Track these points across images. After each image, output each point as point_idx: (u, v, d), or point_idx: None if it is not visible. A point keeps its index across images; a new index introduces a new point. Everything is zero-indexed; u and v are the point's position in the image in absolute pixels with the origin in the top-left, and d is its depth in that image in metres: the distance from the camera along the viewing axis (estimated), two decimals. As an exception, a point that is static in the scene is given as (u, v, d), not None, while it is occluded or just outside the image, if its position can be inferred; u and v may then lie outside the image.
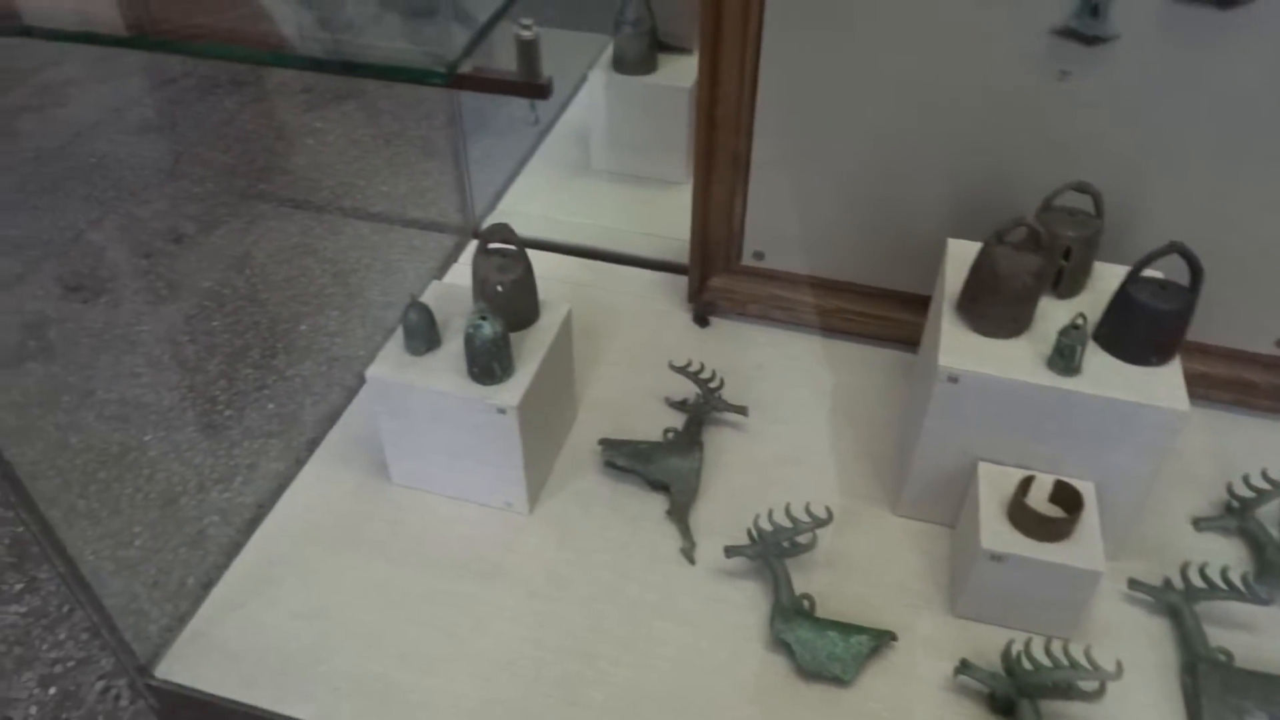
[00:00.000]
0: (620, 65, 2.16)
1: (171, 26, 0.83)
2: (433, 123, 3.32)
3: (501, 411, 1.38)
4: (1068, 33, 1.44)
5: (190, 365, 2.49)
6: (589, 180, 2.30)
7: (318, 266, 2.81)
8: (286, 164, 3.39)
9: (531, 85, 0.63)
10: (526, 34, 0.62)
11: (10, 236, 2.95)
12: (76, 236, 2.95)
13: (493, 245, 1.47)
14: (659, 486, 1.55)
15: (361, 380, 1.71)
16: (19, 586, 1.98)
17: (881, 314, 1.79)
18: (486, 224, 2.13)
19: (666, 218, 2.09)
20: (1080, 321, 1.30)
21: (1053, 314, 1.42)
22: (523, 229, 1.50)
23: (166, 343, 2.57)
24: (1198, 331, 1.48)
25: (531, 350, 1.46)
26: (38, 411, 2.37)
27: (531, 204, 2.24)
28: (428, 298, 1.51)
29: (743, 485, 1.57)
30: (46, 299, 2.74)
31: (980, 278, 1.37)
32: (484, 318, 1.35)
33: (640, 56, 2.15)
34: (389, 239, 2.88)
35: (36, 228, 2.97)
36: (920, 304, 1.70)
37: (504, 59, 0.67)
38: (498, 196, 2.30)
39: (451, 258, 2.14)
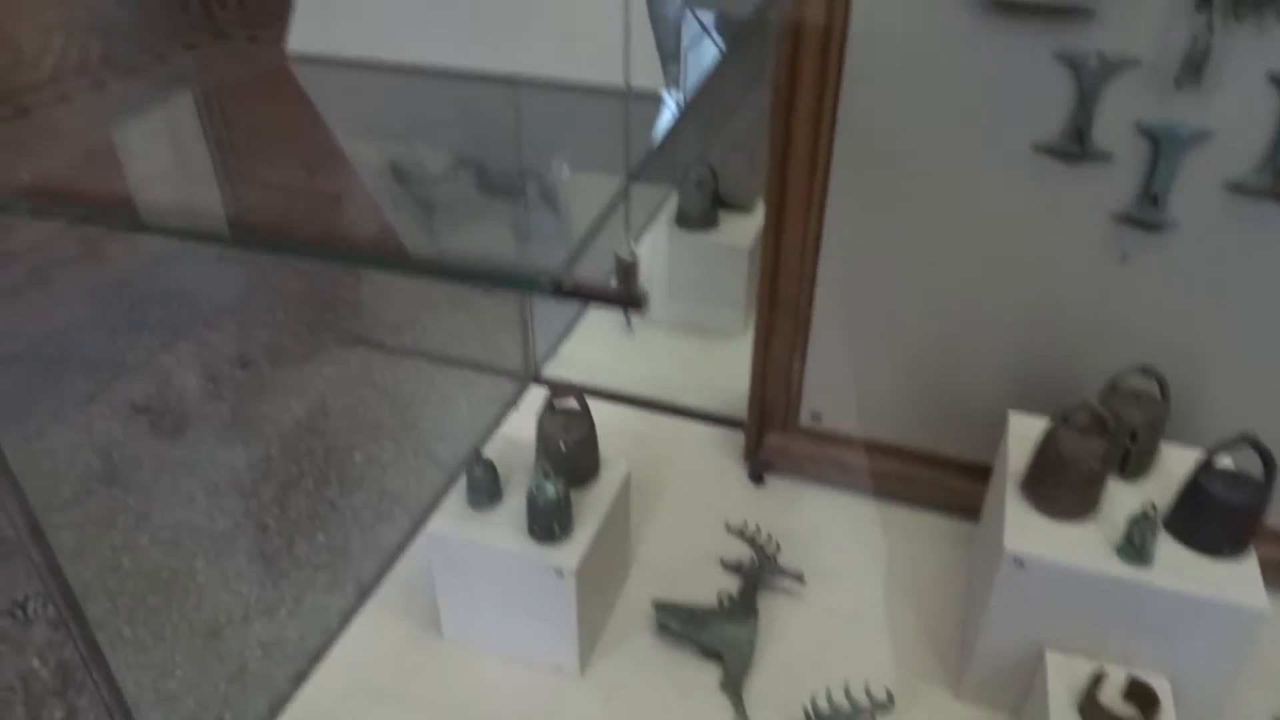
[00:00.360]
0: (683, 221, 2.24)
1: (269, 224, 0.89)
2: (487, 197, 3.43)
3: (559, 574, 1.37)
4: (1128, 219, 1.48)
5: (245, 491, 2.53)
6: (649, 329, 2.36)
7: (375, 397, 2.87)
8: (353, 295, 3.52)
9: (630, 300, 0.67)
10: (628, 257, 0.66)
11: (87, 356, 3.07)
12: (148, 359, 3.07)
13: (558, 401, 1.50)
14: (713, 654, 1.52)
15: (412, 517, 1.72)
16: (59, 715, 1.97)
17: (940, 481, 1.78)
18: (547, 369, 2.18)
19: (723, 369, 2.12)
20: (1151, 511, 1.28)
21: (1120, 498, 1.40)
22: (582, 375, 1.53)
23: (224, 468, 2.62)
24: (1272, 517, 1.44)
25: (591, 509, 1.47)
26: (95, 530, 2.41)
27: (591, 351, 2.30)
28: (491, 450, 1.53)
29: (798, 656, 1.53)
30: (114, 419, 2.82)
31: (1046, 460, 1.36)
32: (547, 476, 1.37)
33: (702, 214, 2.23)
34: (447, 374, 2.95)
35: (111, 349, 3.10)
36: (980, 473, 1.68)
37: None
38: (559, 339, 2.36)
39: (512, 401, 2.18)
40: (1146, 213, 1.46)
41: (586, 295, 0.70)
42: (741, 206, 2.29)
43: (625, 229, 0.75)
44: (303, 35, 1.10)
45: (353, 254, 0.90)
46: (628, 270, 0.65)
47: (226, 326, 3.24)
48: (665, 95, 1.10)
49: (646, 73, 1.08)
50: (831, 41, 1.49)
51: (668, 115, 1.08)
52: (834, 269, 1.69)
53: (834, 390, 1.81)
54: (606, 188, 0.85)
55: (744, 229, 2.22)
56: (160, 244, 3.79)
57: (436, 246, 0.89)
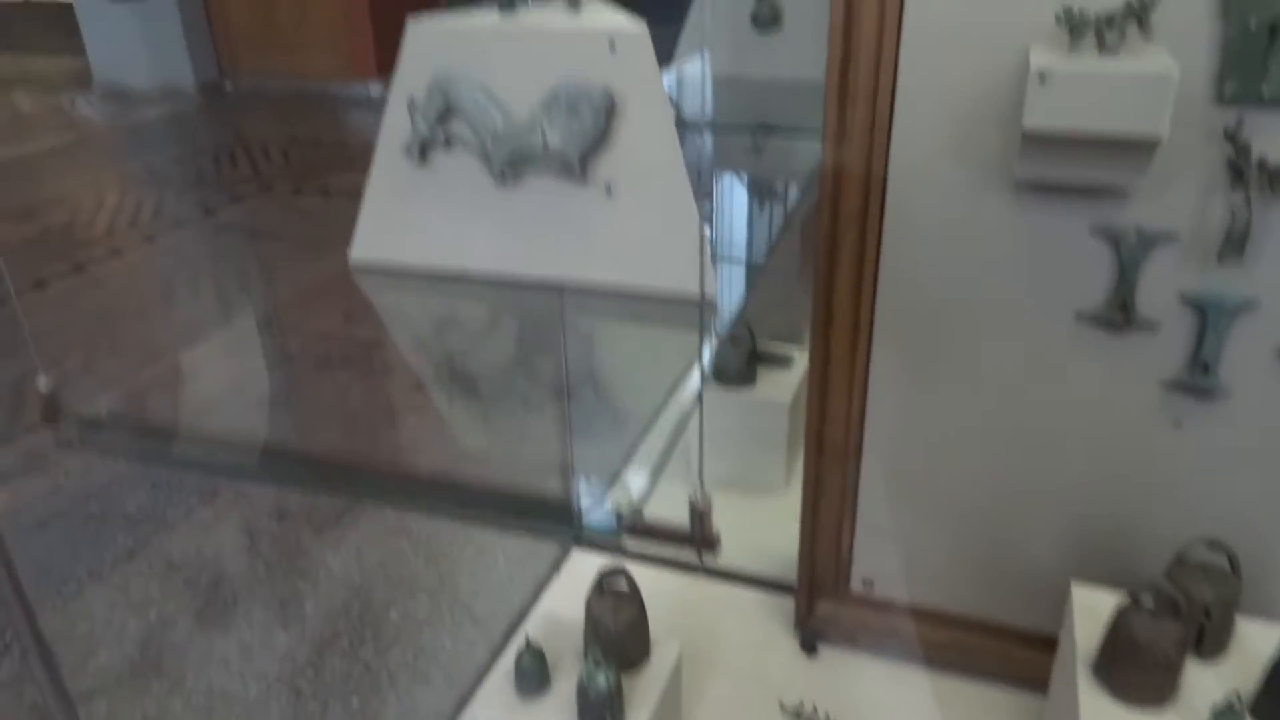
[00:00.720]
0: (721, 377, 2.26)
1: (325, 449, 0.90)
2: (538, 413, 3.46)
3: (612, 771, 1.32)
4: (1179, 386, 1.47)
5: (280, 653, 2.49)
6: (688, 486, 2.33)
7: (411, 548, 2.85)
8: (391, 440, 3.54)
9: (705, 543, 0.66)
10: (701, 504, 0.66)
11: (128, 513, 3.09)
12: (187, 514, 3.08)
13: (607, 582, 1.48)
14: None
15: (448, 678, 1.67)
16: None
17: (1001, 652, 1.71)
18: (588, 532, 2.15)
19: (768, 528, 2.09)
20: (1236, 703, 1.22)
21: (1199, 681, 1.33)
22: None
23: (259, 626, 2.58)
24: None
25: (643, 696, 1.42)
26: (128, 697, 2.36)
27: (633, 510, 2.27)
28: (536, 628, 1.50)
29: None
30: (152, 576, 2.81)
31: (1118, 644, 1.31)
32: (598, 665, 1.33)
33: (740, 370, 2.24)
34: (483, 522, 2.92)
35: (152, 504, 3.11)
36: (1043, 643, 1.62)
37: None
38: (602, 495, 2.33)
39: (555, 564, 2.15)
40: (1197, 380, 1.45)
41: (659, 535, 0.69)
42: (779, 361, 2.30)
43: (699, 473, 0.75)
44: (365, 245, 1.15)
45: (412, 489, 0.90)
46: (701, 516, 0.65)
47: (263, 476, 3.26)
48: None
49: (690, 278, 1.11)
50: (869, 215, 1.53)
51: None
52: (880, 435, 1.68)
53: (886, 556, 1.76)
54: (656, 401, 0.86)
55: (783, 384, 2.22)
56: (203, 389, 3.86)
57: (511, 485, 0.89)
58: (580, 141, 1.01)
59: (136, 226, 5.17)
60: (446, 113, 1.06)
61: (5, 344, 4.14)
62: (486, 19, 1.07)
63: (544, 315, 1.14)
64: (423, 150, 1.09)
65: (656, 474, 0.68)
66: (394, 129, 1.10)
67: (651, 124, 1.00)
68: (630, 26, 1.00)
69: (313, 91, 7.75)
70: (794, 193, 2.16)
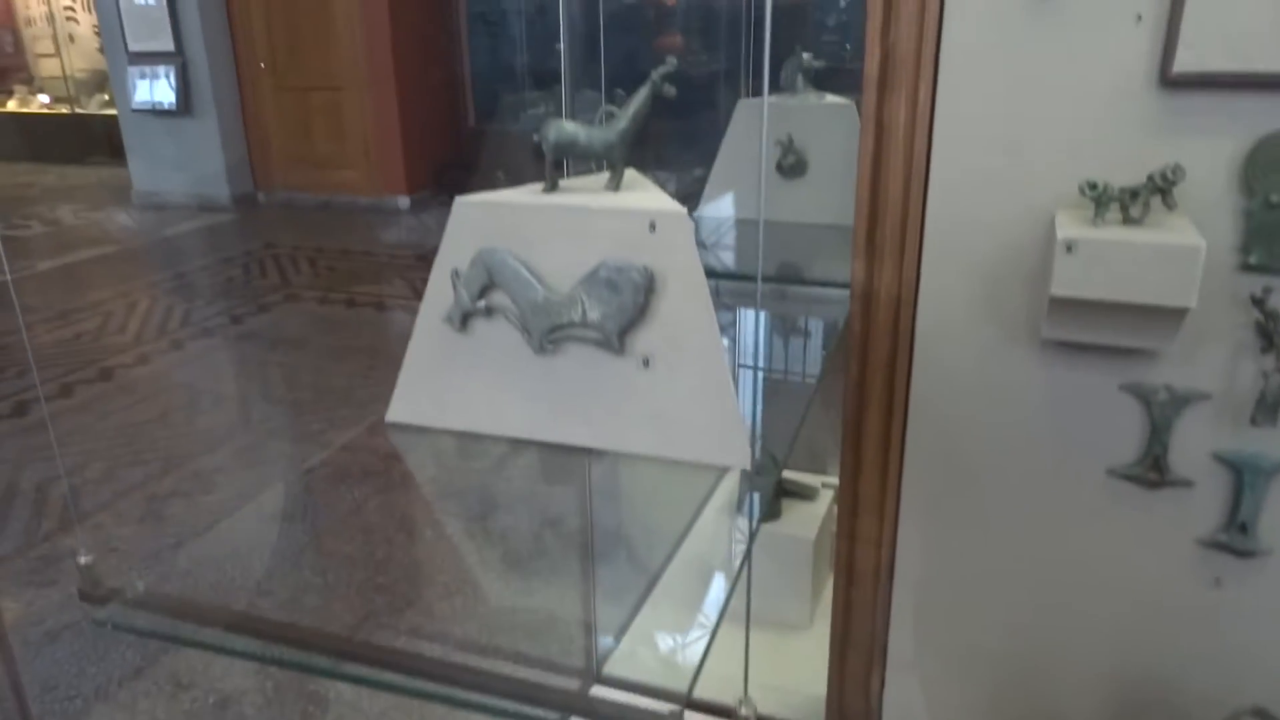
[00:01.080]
0: (744, 509, 2.23)
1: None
2: (561, 540, 3.43)
3: None
4: (1217, 544, 1.44)
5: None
6: (708, 620, 2.29)
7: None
8: (404, 556, 3.50)
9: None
10: (750, 717, 0.65)
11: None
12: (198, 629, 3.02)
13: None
14: None
15: None
16: None
17: (1041, 817, 1.63)
18: (609, 667, 2.11)
19: (793, 668, 2.03)
20: None
21: None
22: (647, 676, 1.46)
23: (266, 758, 2.51)
24: None
25: None
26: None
27: (653, 645, 2.22)
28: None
29: None
30: (159, 696, 2.75)
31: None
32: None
33: (765, 504, 2.22)
34: (498, 654, 2.86)
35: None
36: (1085, 811, 1.55)
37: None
38: (620, 632, 2.29)
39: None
40: (1235, 540, 1.42)
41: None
42: (804, 494, 2.28)
43: (744, 682, 0.74)
44: (402, 409, 1.17)
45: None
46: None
47: (277, 590, 3.21)
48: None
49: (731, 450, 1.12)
50: (898, 364, 1.54)
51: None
52: (909, 582, 1.65)
53: (916, 705, 1.71)
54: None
55: (808, 518, 2.20)
56: (220, 500, 3.87)
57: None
58: (620, 317, 1.03)
59: (165, 334, 5.28)
60: (489, 285, 1.09)
61: (32, 447, 4.18)
62: (530, 197, 1.11)
63: (570, 469, 1.15)
64: (464, 319, 1.12)
65: (701, 667, 0.66)
66: (436, 298, 1.13)
67: (689, 300, 1.02)
68: (670, 207, 1.04)
69: (342, 204, 8.01)
70: (818, 335, 2.19)
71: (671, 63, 1.08)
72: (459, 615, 3.08)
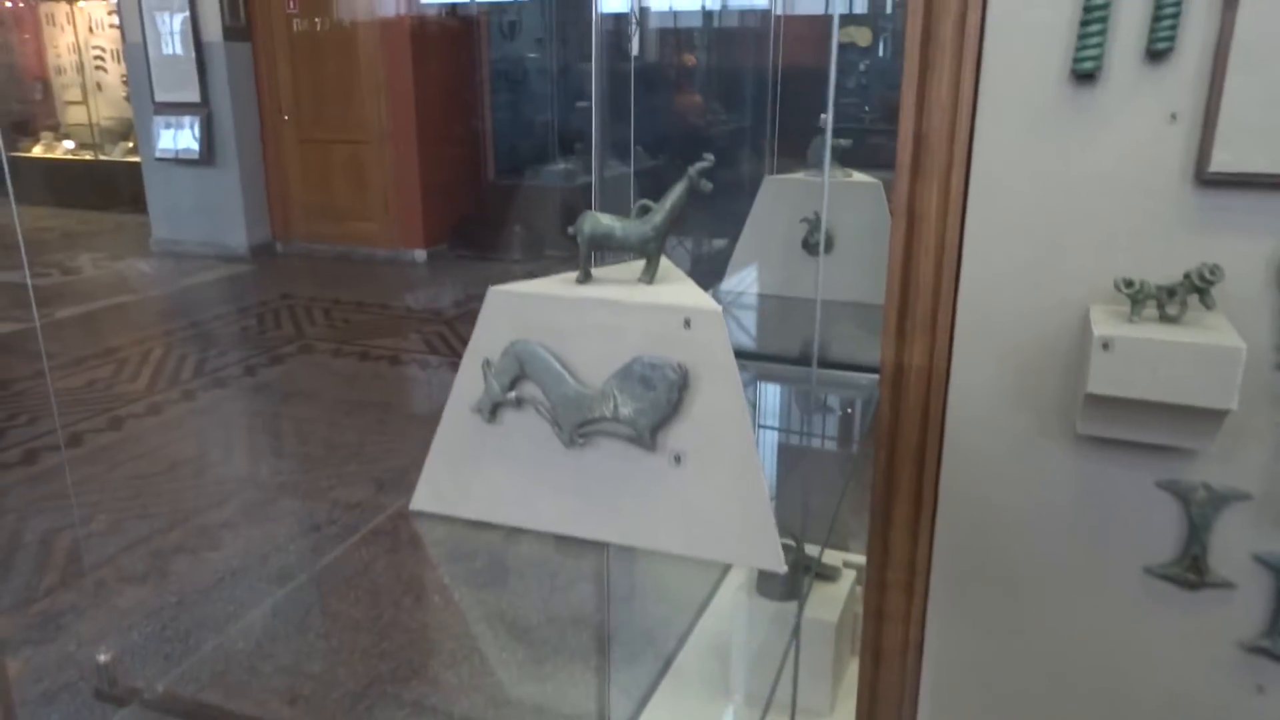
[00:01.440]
0: (765, 590, 2.18)
1: None
2: (572, 610, 3.37)
3: None
4: (1260, 650, 1.39)
5: None
6: (726, 704, 2.23)
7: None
8: (409, 620, 3.43)
9: None
10: None
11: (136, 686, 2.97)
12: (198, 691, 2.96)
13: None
14: None
15: None
16: None
17: None
18: (621, 753, 2.04)
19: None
20: None
21: None
22: None
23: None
24: None
25: None
26: None
27: (668, 728, 2.15)
28: None
29: None
30: (154, 772, 2.68)
31: None
32: None
33: (784, 581, 2.17)
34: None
35: (162, 677, 3.00)
36: None
37: None
38: (638, 710, 2.22)
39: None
40: (1279, 645, 1.37)
41: None
42: (826, 574, 2.23)
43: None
44: (427, 497, 1.15)
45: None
46: None
47: (280, 655, 3.15)
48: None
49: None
50: (927, 453, 1.51)
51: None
52: (938, 680, 1.60)
53: (943, 810, 1.64)
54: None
55: (830, 599, 2.15)
56: (225, 557, 3.82)
57: None
58: (653, 414, 1.01)
59: (177, 384, 5.27)
60: (520, 376, 1.07)
61: (39, 497, 4.15)
62: (563, 288, 1.10)
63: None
64: (494, 410, 1.10)
65: None
66: (465, 387, 1.11)
67: (722, 398, 1.00)
68: (705, 304, 1.02)
69: (359, 256, 8.07)
70: (840, 416, 2.17)
71: (709, 159, 1.08)
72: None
